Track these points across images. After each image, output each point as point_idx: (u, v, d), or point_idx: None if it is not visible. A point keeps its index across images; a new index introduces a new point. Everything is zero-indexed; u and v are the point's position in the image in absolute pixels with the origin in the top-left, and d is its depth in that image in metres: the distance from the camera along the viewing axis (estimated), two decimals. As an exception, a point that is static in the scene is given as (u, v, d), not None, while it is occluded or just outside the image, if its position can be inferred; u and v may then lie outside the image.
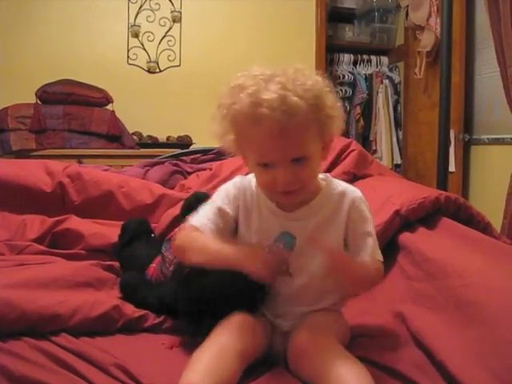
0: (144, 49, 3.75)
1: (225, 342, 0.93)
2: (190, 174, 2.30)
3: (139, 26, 3.72)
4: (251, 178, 1.13)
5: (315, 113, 0.98)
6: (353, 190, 1.12)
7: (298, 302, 1.10)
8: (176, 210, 1.73)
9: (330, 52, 4.02)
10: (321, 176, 1.12)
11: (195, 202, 1.62)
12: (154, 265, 1.41)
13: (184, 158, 2.47)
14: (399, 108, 4.16)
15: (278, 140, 0.95)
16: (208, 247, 1.03)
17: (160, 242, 1.62)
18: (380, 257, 1.10)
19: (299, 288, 1.09)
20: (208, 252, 1.02)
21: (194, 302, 1.08)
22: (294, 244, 1.04)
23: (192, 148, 3.22)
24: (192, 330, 1.11)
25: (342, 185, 1.13)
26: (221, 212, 1.10)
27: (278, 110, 0.93)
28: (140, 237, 1.59)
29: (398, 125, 4.14)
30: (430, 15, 3.47)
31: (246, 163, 1.09)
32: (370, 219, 1.11)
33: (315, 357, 0.93)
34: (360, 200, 1.11)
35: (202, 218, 1.09)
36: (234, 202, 1.12)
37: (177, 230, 1.50)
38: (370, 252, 1.08)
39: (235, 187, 1.13)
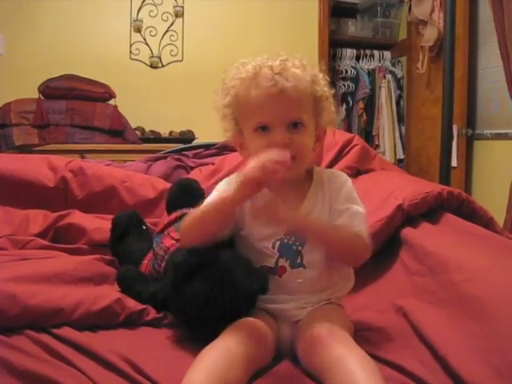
0: (146, 44, 3.75)
1: (233, 346, 0.89)
2: (192, 168, 2.30)
3: (141, 21, 3.71)
4: None
5: (312, 87, 1.07)
6: (339, 174, 1.16)
7: (306, 292, 1.09)
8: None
9: (332, 47, 4.02)
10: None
11: (179, 189, 1.63)
12: (145, 261, 1.40)
13: (186, 152, 2.47)
14: (402, 103, 4.16)
15: (277, 99, 1.03)
16: (201, 206, 1.06)
17: (152, 234, 1.61)
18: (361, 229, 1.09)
19: (308, 280, 1.08)
20: (203, 207, 1.05)
21: (181, 312, 1.05)
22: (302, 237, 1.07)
23: (194, 143, 3.23)
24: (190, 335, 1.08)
25: (328, 171, 1.21)
26: None
27: (278, 74, 1.03)
28: (131, 231, 1.57)
29: (400, 120, 4.14)
30: (432, 10, 3.46)
31: (240, 143, 1.13)
32: (355, 197, 1.13)
33: (331, 348, 0.90)
34: (345, 180, 1.14)
35: None
36: None
37: (166, 221, 1.49)
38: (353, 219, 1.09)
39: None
